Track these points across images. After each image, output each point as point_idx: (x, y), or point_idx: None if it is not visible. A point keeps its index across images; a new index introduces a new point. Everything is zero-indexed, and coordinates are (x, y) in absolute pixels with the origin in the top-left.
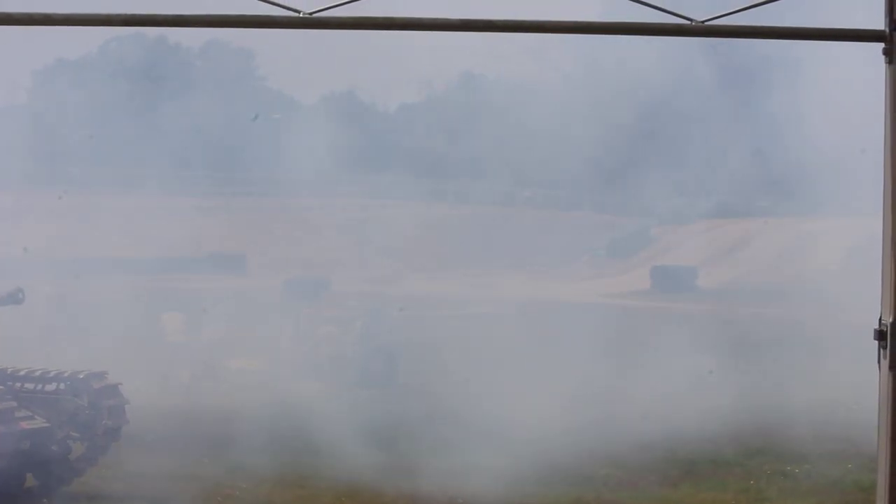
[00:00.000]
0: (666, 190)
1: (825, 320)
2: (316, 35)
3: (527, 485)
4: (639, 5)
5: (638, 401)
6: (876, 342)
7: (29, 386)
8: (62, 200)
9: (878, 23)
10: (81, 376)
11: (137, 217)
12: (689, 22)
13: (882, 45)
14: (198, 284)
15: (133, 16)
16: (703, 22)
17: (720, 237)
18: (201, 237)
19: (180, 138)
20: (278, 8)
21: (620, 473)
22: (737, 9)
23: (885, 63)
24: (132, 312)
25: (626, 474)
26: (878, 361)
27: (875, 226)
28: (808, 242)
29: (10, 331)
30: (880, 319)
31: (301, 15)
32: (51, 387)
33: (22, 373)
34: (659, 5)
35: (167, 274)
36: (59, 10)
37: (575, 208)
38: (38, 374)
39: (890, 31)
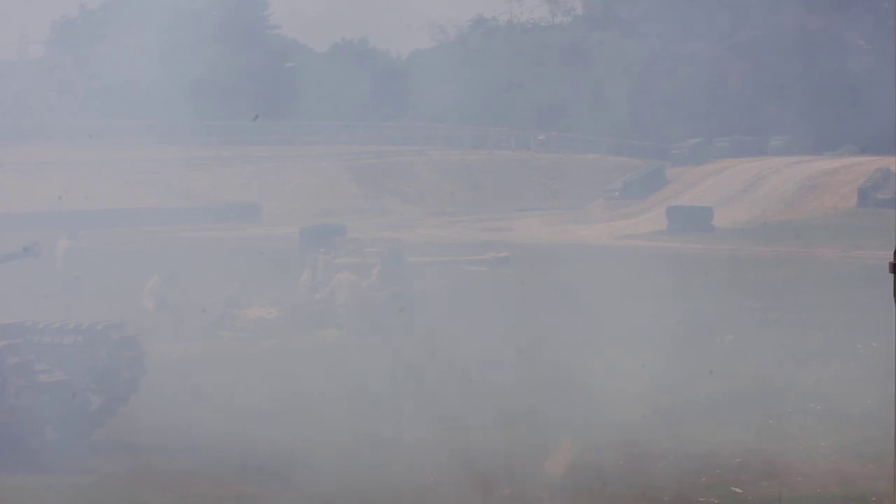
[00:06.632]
0: (680, 131)
1: (841, 257)
2: None
3: (562, 430)
4: None
5: (658, 343)
6: (891, 275)
7: (47, 339)
8: (81, 150)
9: None
10: (100, 328)
11: (154, 168)
12: None
13: None
14: (214, 233)
15: None
16: None
17: (735, 177)
18: (217, 186)
19: (196, 88)
20: None
21: (649, 415)
22: None
23: None
24: (148, 262)
25: (655, 415)
26: (895, 294)
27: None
28: (823, 181)
29: (28, 284)
30: (895, 252)
31: None
32: (69, 339)
33: (40, 326)
34: None
35: (184, 224)
36: None
37: (589, 150)
38: (56, 326)
39: None
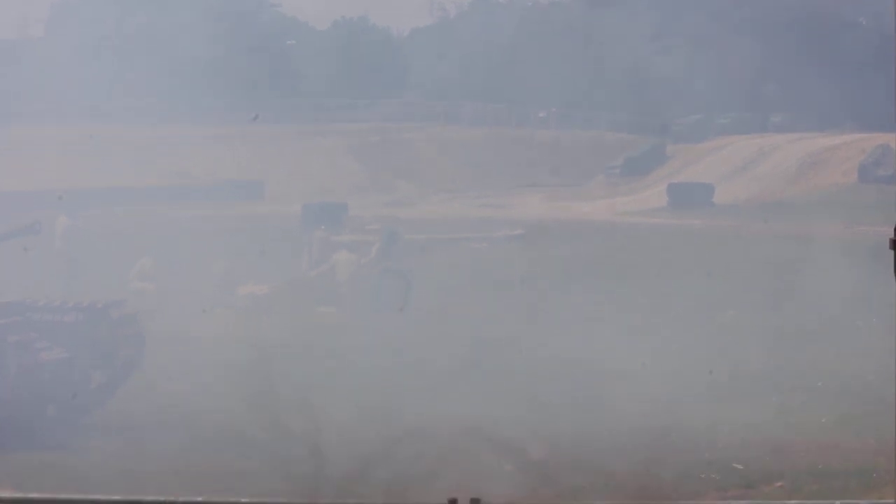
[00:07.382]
0: (681, 107)
1: (841, 233)
2: None
3: (550, 406)
4: None
5: (661, 321)
6: (892, 252)
7: (48, 317)
8: (77, 133)
9: None
10: (100, 306)
11: (154, 146)
12: None
13: None
14: (214, 212)
15: None
16: None
17: (736, 153)
18: (218, 165)
19: (196, 67)
20: None
21: (651, 394)
22: None
23: None
24: (147, 241)
25: (657, 392)
26: (895, 270)
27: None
28: (824, 157)
29: (28, 262)
30: None
31: None
32: (69, 317)
33: (41, 304)
34: None
35: (183, 202)
36: None
37: (590, 127)
38: (56, 304)
39: None
